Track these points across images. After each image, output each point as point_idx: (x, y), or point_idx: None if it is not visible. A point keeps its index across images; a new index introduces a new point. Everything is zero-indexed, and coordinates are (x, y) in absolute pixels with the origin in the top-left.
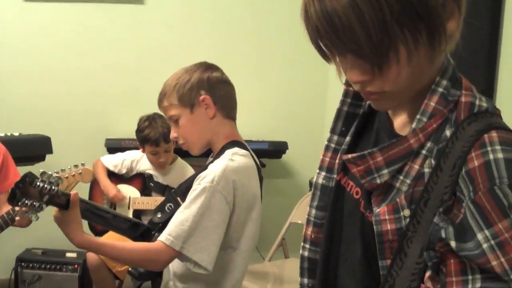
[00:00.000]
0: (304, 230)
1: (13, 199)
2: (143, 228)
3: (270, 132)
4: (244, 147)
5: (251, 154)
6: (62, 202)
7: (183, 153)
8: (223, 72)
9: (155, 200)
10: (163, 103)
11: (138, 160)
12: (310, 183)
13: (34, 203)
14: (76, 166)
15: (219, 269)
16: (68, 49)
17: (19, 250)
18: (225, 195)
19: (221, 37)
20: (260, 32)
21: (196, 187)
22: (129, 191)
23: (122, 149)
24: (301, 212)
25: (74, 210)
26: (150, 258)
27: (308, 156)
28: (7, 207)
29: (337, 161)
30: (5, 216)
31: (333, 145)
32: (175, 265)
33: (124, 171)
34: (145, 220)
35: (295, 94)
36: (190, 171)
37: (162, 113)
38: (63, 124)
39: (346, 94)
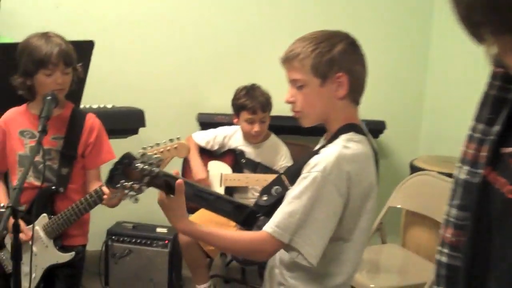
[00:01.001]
0: (441, 231)
1: (111, 180)
2: (247, 211)
3: (367, 110)
4: (361, 131)
5: (368, 138)
6: (164, 184)
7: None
8: (363, 52)
9: (247, 177)
10: (293, 63)
11: (231, 136)
12: (411, 166)
13: (134, 185)
14: (171, 140)
15: (330, 260)
16: (160, 23)
17: (110, 223)
18: (338, 186)
19: (318, 13)
20: (359, 9)
21: (307, 175)
22: (221, 168)
23: (215, 125)
24: (400, 196)
25: (179, 197)
26: (255, 249)
27: (407, 137)
28: (98, 183)
29: (483, 153)
30: (94, 194)
31: (477, 135)
32: (282, 252)
33: (216, 147)
34: (237, 198)
35: (393, 71)
36: (283, 149)
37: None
38: (155, 98)
39: (494, 76)
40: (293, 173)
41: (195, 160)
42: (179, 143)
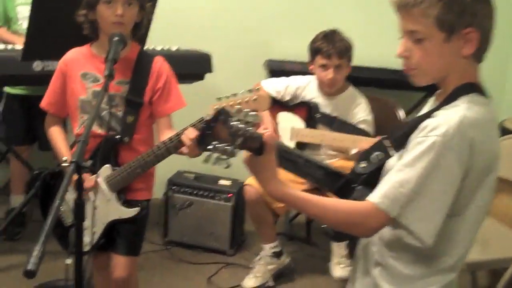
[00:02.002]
0: None
1: (202, 142)
2: (342, 179)
3: None
4: (484, 93)
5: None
6: (256, 145)
7: None
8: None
9: (322, 134)
10: (412, 12)
11: (304, 87)
12: (501, 128)
13: (226, 147)
14: (250, 91)
15: (439, 240)
16: None
17: (171, 172)
18: (459, 154)
19: None
20: None
21: (423, 139)
22: (292, 121)
23: (285, 73)
24: None
25: (269, 155)
26: (355, 222)
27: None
28: (170, 132)
29: None
30: (166, 144)
31: None
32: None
33: (287, 98)
34: (309, 155)
35: None
36: (362, 101)
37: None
38: (220, 41)
39: None
40: (398, 138)
41: (264, 113)
42: (260, 95)
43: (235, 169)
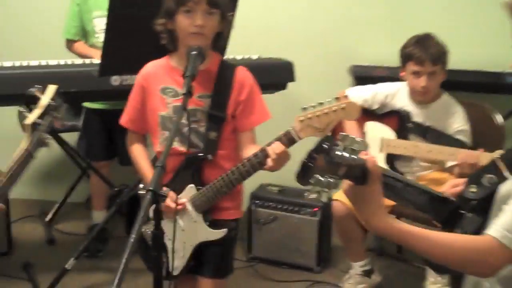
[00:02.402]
0: None
1: (303, 176)
2: (449, 205)
3: None
4: None
5: None
6: (359, 174)
7: None
8: None
9: (416, 146)
10: None
11: (394, 95)
12: None
13: (330, 180)
14: (337, 99)
15: None
16: None
17: (254, 185)
18: None
19: None
20: None
21: None
22: (381, 131)
23: (372, 79)
24: None
25: (374, 185)
26: (474, 259)
27: None
28: (254, 148)
29: None
30: (251, 160)
31: None
32: None
33: (375, 106)
34: (401, 167)
35: None
36: (458, 109)
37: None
38: (302, 48)
39: None
40: None
41: (349, 122)
42: (348, 103)
43: None
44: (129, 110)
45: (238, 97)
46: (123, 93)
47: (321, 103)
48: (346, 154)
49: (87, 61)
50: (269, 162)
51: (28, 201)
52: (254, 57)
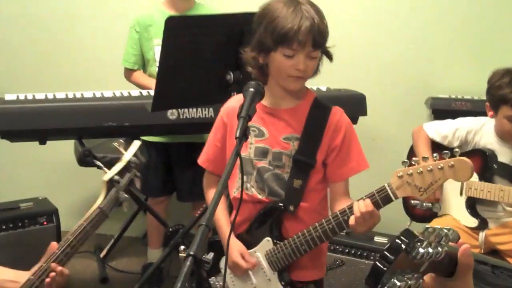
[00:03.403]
0: None
1: (375, 281)
2: None
3: None
4: None
5: None
6: (447, 264)
7: None
8: None
9: (502, 189)
10: None
11: (477, 131)
12: None
13: (408, 280)
14: (445, 153)
15: None
16: None
17: None
18: None
19: None
20: None
21: None
22: None
23: (452, 113)
24: None
25: (464, 278)
26: None
27: None
28: (346, 202)
29: None
30: (338, 217)
31: None
32: None
33: (455, 144)
34: (483, 212)
35: None
36: None
37: None
38: (374, 78)
39: None
40: None
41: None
42: (458, 160)
43: (392, 221)
44: (208, 148)
45: (332, 142)
46: (180, 127)
47: (425, 158)
48: (430, 250)
49: (144, 92)
50: (351, 220)
51: None
52: (323, 88)
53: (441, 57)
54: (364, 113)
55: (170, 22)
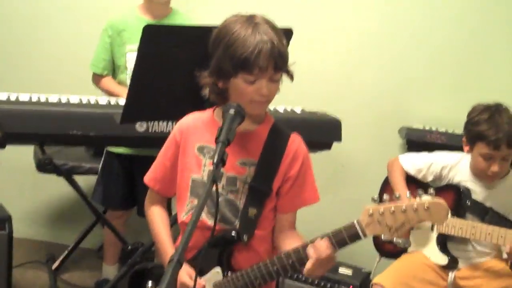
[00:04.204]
0: None
1: None
2: None
3: None
4: None
5: None
6: None
7: None
8: None
9: (473, 226)
10: None
11: (452, 167)
12: None
13: None
14: (420, 194)
15: None
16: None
17: None
18: None
19: None
20: None
21: None
22: None
23: (426, 145)
24: None
25: None
26: None
27: None
28: (295, 237)
29: None
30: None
31: None
32: None
33: (429, 178)
34: (454, 250)
35: None
36: None
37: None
38: (347, 100)
39: None
40: None
41: (402, 190)
42: (435, 203)
43: (358, 253)
44: (157, 166)
45: (288, 171)
46: (148, 140)
47: (397, 197)
48: None
49: (113, 101)
50: (308, 264)
51: (35, 242)
52: (298, 109)
53: (417, 85)
54: (338, 139)
55: (148, 31)
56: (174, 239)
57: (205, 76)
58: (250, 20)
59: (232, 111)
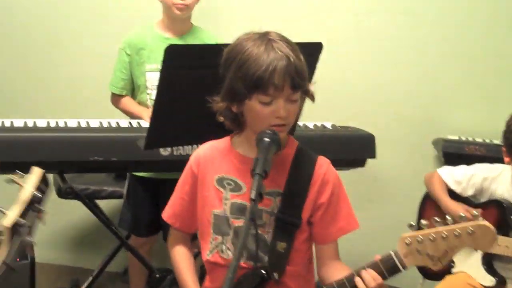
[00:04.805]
0: None
1: None
2: None
3: None
4: None
5: None
6: None
7: None
8: None
9: None
10: None
11: (493, 179)
12: None
13: None
14: (462, 217)
15: None
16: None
17: None
18: None
19: None
20: None
21: None
22: None
23: (465, 157)
24: None
25: None
26: None
27: None
28: (339, 267)
29: None
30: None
31: None
32: None
33: (470, 192)
34: (501, 270)
35: None
36: None
37: None
38: (379, 113)
39: None
40: None
41: (445, 200)
42: (479, 226)
43: (400, 275)
44: (175, 202)
45: (318, 199)
46: (173, 164)
47: (437, 221)
48: None
49: (134, 123)
50: None
51: (60, 267)
52: (328, 125)
53: (450, 94)
54: (373, 155)
55: (170, 51)
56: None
57: (218, 101)
58: (264, 37)
59: (267, 139)
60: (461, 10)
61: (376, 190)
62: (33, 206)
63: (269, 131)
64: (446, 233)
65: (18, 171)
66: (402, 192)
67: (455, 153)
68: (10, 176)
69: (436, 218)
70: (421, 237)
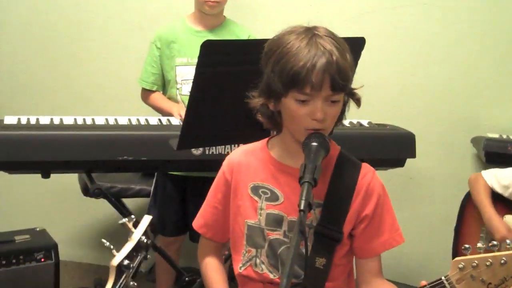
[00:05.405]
0: None
1: None
2: None
3: None
4: None
5: None
6: None
7: None
8: None
9: None
10: None
11: None
12: None
13: None
14: (509, 243)
15: None
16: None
17: None
18: None
19: None
20: None
21: None
22: None
23: (507, 157)
24: None
25: None
26: None
27: None
28: (378, 285)
29: None
30: None
31: None
32: None
33: None
34: None
35: None
36: None
37: None
38: (414, 113)
39: None
40: None
41: (489, 211)
42: None
43: None
44: (206, 210)
45: (361, 211)
46: (205, 164)
47: (494, 245)
48: None
49: (164, 120)
50: None
51: (83, 265)
52: (364, 122)
53: (488, 92)
54: (413, 155)
55: (207, 47)
56: None
57: (255, 96)
58: (309, 31)
59: (314, 143)
60: (499, 4)
61: (412, 190)
62: (140, 250)
63: (317, 134)
64: (505, 258)
65: (132, 215)
66: (439, 192)
67: (497, 152)
68: (124, 220)
69: (494, 242)
70: (476, 262)
